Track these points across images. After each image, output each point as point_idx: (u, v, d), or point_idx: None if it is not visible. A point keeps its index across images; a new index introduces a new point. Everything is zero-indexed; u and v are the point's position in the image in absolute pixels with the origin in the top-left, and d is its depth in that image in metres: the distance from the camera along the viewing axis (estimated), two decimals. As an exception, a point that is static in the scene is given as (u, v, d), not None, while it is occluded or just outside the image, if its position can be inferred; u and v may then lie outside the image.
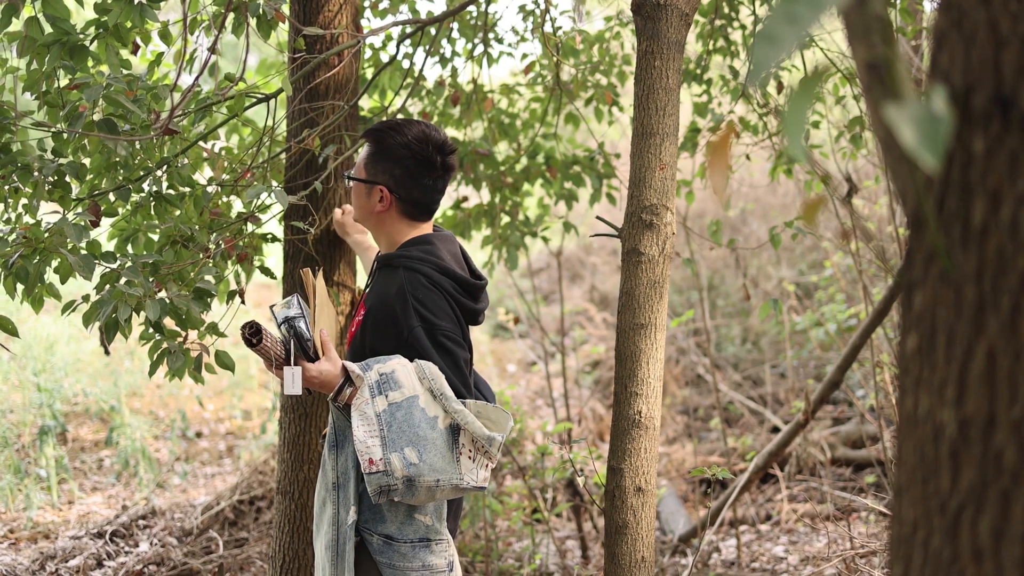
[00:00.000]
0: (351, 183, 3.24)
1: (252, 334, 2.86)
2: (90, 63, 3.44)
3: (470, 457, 2.92)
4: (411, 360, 2.97)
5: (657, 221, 3.18)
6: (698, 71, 5.42)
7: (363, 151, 3.22)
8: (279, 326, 2.95)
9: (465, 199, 5.26)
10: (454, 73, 5.24)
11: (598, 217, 3.49)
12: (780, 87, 5.20)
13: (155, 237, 3.72)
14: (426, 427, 2.85)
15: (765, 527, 6.26)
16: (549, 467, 5.57)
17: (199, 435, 8.93)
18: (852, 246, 5.51)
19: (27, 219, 3.56)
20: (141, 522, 6.33)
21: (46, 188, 3.25)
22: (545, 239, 5.37)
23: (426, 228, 3.25)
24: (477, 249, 5.74)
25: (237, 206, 4.25)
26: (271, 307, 2.99)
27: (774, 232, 4.83)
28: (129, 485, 7.67)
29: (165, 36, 3.75)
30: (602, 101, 5.27)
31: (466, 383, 3.01)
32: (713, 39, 5.31)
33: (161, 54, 3.71)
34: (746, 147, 5.47)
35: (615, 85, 5.43)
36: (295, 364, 2.90)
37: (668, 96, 3.25)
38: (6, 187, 3.39)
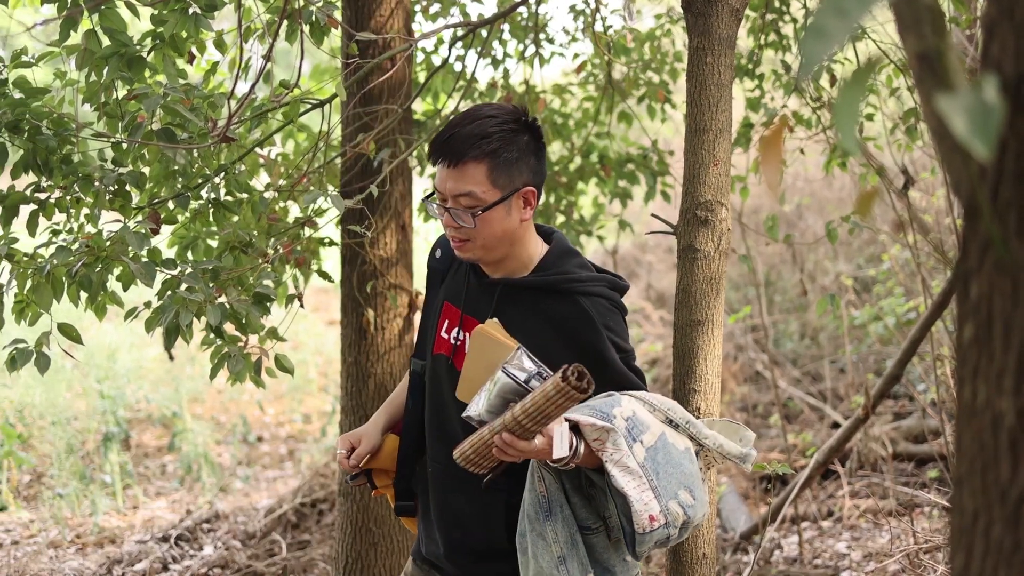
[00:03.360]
0: (479, 214, 2.59)
1: (582, 378, 2.33)
2: (147, 74, 3.49)
3: (703, 480, 2.67)
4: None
5: (712, 217, 3.18)
6: (750, 66, 5.40)
7: (472, 169, 2.58)
8: (525, 383, 2.46)
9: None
10: (506, 74, 5.26)
11: (653, 215, 3.49)
12: (833, 80, 5.16)
13: (214, 243, 3.78)
14: (687, 463, 2.57)
15: (827, 523, 6.22)
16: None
17: (260, 439, 9.03)
18: (910, 239, 5.47)
19: (88, 228, 3.63)
20: (205, 526, 6.42)
21: (107, 197, 3.31)
22: (601, 238, 5.38)
23: None
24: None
25: (294, 211, 4.30)
26: (504, 367, 2.47)
27: (831, 226, 4.81)
28: (192, 490, 7.78)
29: (220, 45, 3.80)
30: (654, 99, 5.26)
31: None
32: (764, 33, 5.29)
33: (216, 63, 3.76)
34: (800, 141, 5.44)
35: (667, 82, 5.42)
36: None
37: (720, 92, 3.24)
38: (68, 197, 3.46)
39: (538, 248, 2.73)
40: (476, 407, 2.51)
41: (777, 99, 5.63)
